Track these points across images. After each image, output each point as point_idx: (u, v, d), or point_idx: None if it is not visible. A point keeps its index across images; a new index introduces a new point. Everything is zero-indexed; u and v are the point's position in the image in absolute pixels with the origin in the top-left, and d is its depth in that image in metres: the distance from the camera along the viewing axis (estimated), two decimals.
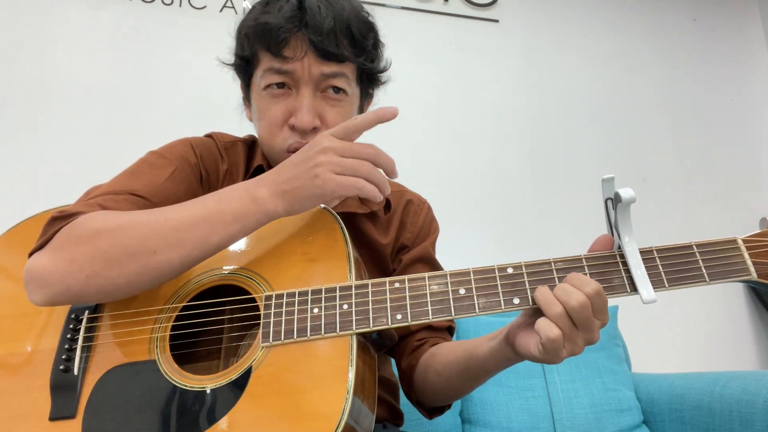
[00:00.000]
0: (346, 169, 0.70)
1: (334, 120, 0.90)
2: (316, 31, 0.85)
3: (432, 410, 0.96)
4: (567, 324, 0.64)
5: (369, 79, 0.98)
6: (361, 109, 1.02)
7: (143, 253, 0.69)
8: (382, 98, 1.07)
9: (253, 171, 0.96)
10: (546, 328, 0.64)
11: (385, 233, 1.01)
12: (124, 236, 0.70)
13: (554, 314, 0.64)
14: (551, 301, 0.65)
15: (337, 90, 0.90)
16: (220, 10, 2.10)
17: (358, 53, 0.90)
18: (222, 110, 1.94)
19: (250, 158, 1.00)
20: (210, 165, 0.95)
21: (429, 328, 0.98)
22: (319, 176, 0.70)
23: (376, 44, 0.95)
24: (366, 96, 1.02)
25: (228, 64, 0.98)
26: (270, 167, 0.97)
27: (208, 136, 1.00)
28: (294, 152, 0.84)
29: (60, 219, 0.75)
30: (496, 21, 2.37)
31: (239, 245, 0.79)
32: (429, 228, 1.07)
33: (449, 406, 0.97)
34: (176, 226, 0.70)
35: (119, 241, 0.70)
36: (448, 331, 1.00)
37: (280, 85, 0.89)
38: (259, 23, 0.87)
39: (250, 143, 1.02)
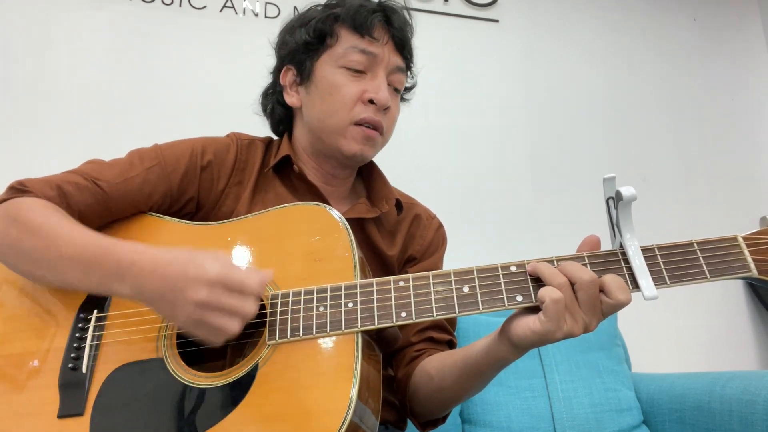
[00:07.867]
0: (215, 315, 0.65)
1: (392, 113, 0.99)
2: (397, 26, 0.97)
3: (425, 424, 0.96)
4: (569, 294, 0.65)
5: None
6: None
7: (30, 262, 0.78)
8: None
9: (279, 161, 0.98)
10: (549, 291, 0.65)
11: (392, 244, 1.02)
12: (28, 238, 0.76)
13: (558, 283, 0.66)
14: (555, 272, 0.67)
15: (396, 90, 1.01)
16: (220, 10, 2.09)
17: (411, 59, 1.04)
18: (221, 110, 1.95)
19: (266, 155, 1.02)
20: (220, 164, 0.97)
21: (429, 339, 0.97)
22: (183, 312, 0.66)
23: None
24: None
25: (287, 44, 1.01)
26: (298, 161, 0.99)
27: (227, 136, 1.02)
28: (365, 126, 0.94)
29: (15, 190, 0.83)
30: (496, 21, 2.37)
31: (244, 246, 0.80)
32: (439, 242, 1.08)
33: (443, 420, 0.97)
34: (62, 256, 0.74)
35: (24, 238, 0.77)
36: (448, 345, 0.99)
37: (356, 68, 0.95)
38: (351, 5, 0.95)
39: (268, 142, 1.05)
